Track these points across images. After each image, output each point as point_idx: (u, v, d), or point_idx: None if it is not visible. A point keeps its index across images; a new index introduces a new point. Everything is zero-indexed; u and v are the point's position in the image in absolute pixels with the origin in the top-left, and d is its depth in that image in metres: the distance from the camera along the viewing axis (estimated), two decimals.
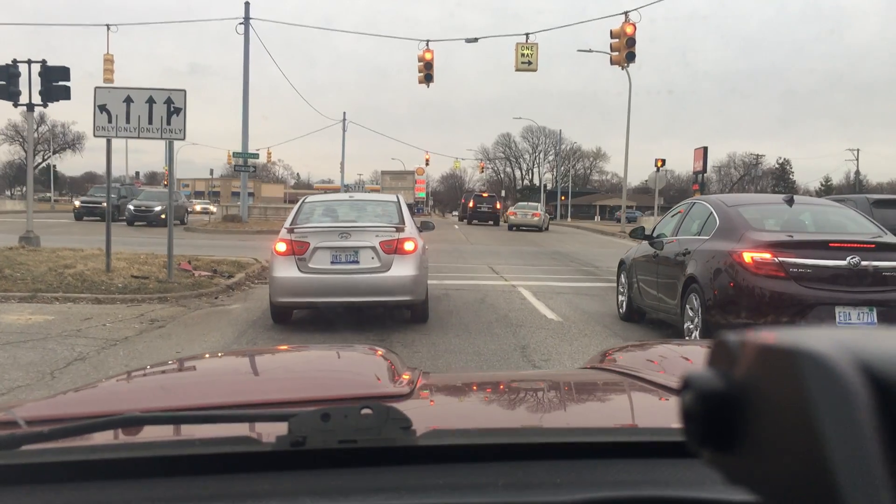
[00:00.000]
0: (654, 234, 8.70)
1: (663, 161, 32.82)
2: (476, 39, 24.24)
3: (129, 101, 10.89)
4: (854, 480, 0.38)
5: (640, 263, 8.72)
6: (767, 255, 6.28)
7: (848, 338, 0.44)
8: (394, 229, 7.86)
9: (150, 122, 10.91)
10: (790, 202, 7.45)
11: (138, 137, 11.00)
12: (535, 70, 22.16)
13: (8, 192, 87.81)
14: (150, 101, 10.91)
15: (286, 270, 7.69)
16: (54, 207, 55.64)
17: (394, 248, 7.72)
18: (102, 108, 10.90)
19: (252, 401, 1.33)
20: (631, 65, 20.06)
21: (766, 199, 9.47)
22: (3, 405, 1.56)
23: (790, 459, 0.43)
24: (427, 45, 24.06)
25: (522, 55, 21.73)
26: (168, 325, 8.17)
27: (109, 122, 10.90)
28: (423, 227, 9.50)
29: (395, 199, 8.89)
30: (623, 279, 9.43)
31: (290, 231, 7.87)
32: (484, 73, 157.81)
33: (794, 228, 6.98)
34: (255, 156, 30.09)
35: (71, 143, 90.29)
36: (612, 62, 20.51)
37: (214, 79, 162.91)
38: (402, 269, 7.69)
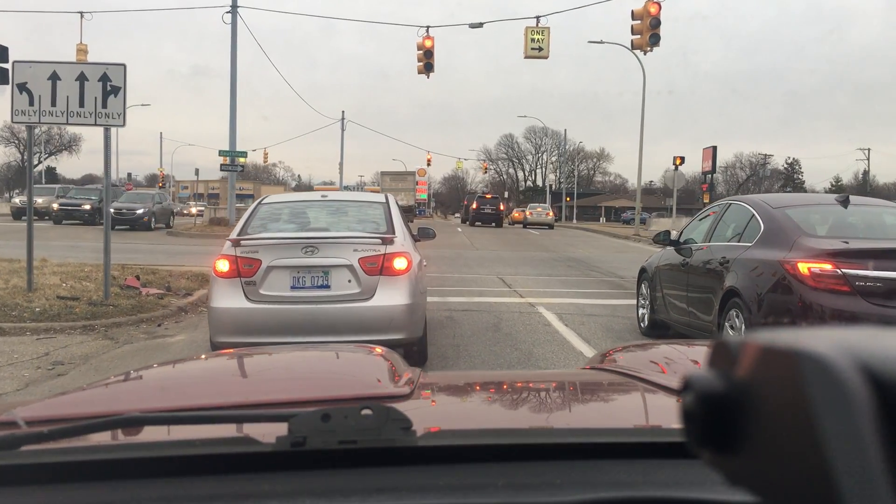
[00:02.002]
0: (682, 240, 7.63)
1: (682, 159, 30.70)
2: (481, 24, 22.18)
3: (55, 78, 8.78)
4: (854, 481, 0.38)
5: (666, 272, 7.71)
6: (828, 266, 5.39)
7: (848, 339, 0.44)
8: (379, 241, 5.72)
9: (82, 104, 8.80)
10: (845, 203, 6.39)
11: (66, 123, 8.91)
12: (546, 57, 20.07)
13: (7, 195, 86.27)
14: (82, 78, 8.79)
15: (228, 299, 5.57)
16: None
17: (379, 267, 5.59)
18: (22, 87, 8.82)
19: (252, 401, 1.31)
20: (655, 48, 17.91)
21: (816, 199, 8.18)
22: (4, 406, 1.52)
23: (790, 460, 0.42)
24: (427, 31, 22.03)
25: (532, 40, 19.68)
26: (73, 370, 6.07)
27: (31, 104, 8.79)
28: (421, 236, 7.35)
29: (384, 201, 6.72)
30: (644, 289, 8.42)
31: (236, 244, 5.73)
32: (486, 73, 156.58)
33: (852, 234, 6.06)
34: (243, 154, 27.98)
35: (67, 144, 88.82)
36: (634, 46, 18.39)
37: (217, 81, 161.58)
38: (390, 297, 5.56)
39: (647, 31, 17.76)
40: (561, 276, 14.65)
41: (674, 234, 7.87)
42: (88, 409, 1.29)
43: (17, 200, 32.68)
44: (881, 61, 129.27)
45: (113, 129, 9.17)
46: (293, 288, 5.66)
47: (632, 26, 18.24)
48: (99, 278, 10.14)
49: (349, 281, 5.66)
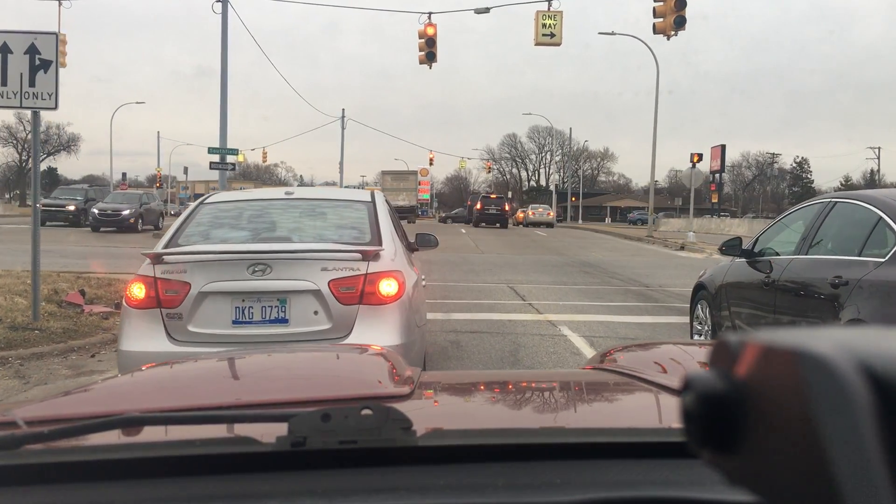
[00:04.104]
0: (756, 249, 6.05)
1: (700, 156, 29.22)
2: (487, 10, 20.54)
3: None
4: (854, 481, 0.38)
5: (737, 290, 6.15)
6: None
7: (848, 338, 0.44)
8: (359, 255, 4.11)
9: (4, 82, 7.22)
10: None
11: None
12: (558, 44, 18.49)
13: (7, 196, 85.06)
14: (5, 50, 7.22)
15: (143, 339, 4.00)
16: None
17: (358, 293, 4.00)
18: None
19: (252, 401, 1.30)
20: (680, 31, 16.25)
21: None
22: (4, 406, 1.57)
23: (791, 460, 0.42)
24: (429, 18, 20.38)
25: (544, 25, 18.09)
26: None
27: None
28: (421, 244, 5.71)
29: (368, 200, 5.07)
30: (701, 310, 6.85)
31: (158, 260, 4.11)
32: (487, 73, 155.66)
33: None
34: (235, 152, 26.37)
35: (66, 144, 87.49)
36: (656, 31, 16.73)
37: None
38: (373, 334, 3.98)
39: (672, 14, 16.13)
40: (579, 285, 13.02)
41: (746, 243, 6.22)
42: (88, 409, 1.29)
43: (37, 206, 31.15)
44: (885, 61, 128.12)
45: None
46: (236, 323, 4.05)
47: (654, 9, 16.63)
48: (41, 292, 8.49)
49: (315, 313, 4.06)
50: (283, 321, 4.06)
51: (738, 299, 6.06)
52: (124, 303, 4.21)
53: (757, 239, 6.17)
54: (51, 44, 7.24)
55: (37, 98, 7.25)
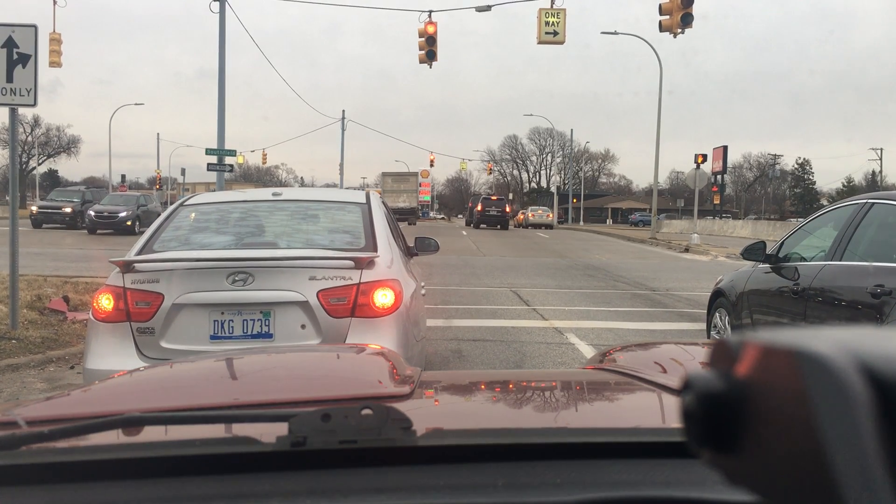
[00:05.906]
0: (782, 254, 5.64)
1: (704, 157, 28.75)
2: (489, 7, 20.16)
3: None
4: (854, 481, 0.38)
5: (762, 299, 5.74)
6: None
7: (848, 338, 0.44)
8: (350, 262, 3.73)
9: None
10: None
11: None
12: (561, 42, 18.09)
13: (6, 197, 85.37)
14: None
15: (110, 356, 3.65)
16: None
17: (350, 305, 3.64)
18: None
19: (252, 401, 1.30)
20: (688, 28, 15.86)
21: None
22: (4, 406, 1.51)
23: (790, 460, 0.42)
24: (430, 16, 20.02)
25: (547, 23, 17.66)
26: None
27: None
28: (420, 248, 5.31)
29: (363, 201, 4.67)
30: (720, 319, 6.43)
31: (128, 267, 3.74)
32: (488, 74, 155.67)
33: None
34: (232, 153, 26.00)
35: (66, 146, 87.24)
36: (662, 28, 16.34)
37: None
38: None
39: (679, 11, 15.74)
40: (584, 289, 12.63)
41: (770, 247, 5.80)
42: (88, 409, 1.29)
43: (33, 208, 30.84)
44: (886, 61, 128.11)
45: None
46: (214, 338, 3.68)
47: (660, 6, 16.24)
48: (24, 298, 8.13)
49: (303, 327, 3.68)
50: (267, 336, 3.68)
51: (763, 307, 5.66)
52: (91, 316, 3.83)
53: (782, 243, 5.74)
54: (29, 37, 6.86)
55: (14, 94, 6.86)
